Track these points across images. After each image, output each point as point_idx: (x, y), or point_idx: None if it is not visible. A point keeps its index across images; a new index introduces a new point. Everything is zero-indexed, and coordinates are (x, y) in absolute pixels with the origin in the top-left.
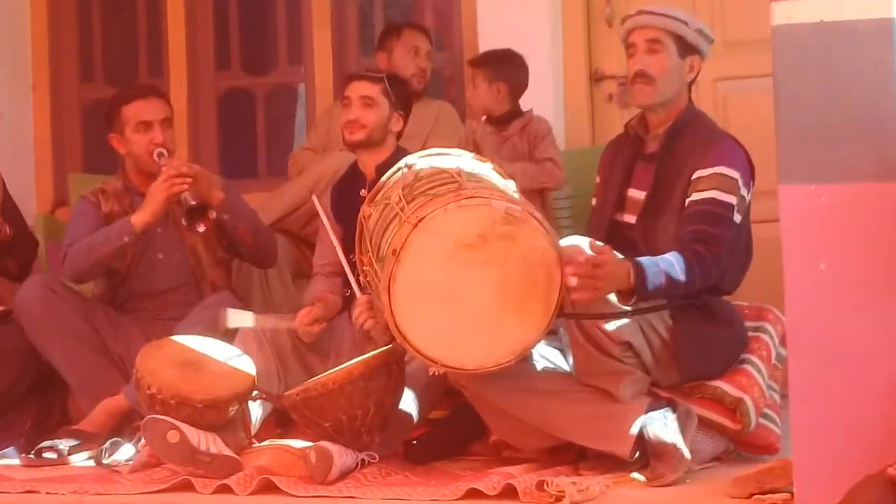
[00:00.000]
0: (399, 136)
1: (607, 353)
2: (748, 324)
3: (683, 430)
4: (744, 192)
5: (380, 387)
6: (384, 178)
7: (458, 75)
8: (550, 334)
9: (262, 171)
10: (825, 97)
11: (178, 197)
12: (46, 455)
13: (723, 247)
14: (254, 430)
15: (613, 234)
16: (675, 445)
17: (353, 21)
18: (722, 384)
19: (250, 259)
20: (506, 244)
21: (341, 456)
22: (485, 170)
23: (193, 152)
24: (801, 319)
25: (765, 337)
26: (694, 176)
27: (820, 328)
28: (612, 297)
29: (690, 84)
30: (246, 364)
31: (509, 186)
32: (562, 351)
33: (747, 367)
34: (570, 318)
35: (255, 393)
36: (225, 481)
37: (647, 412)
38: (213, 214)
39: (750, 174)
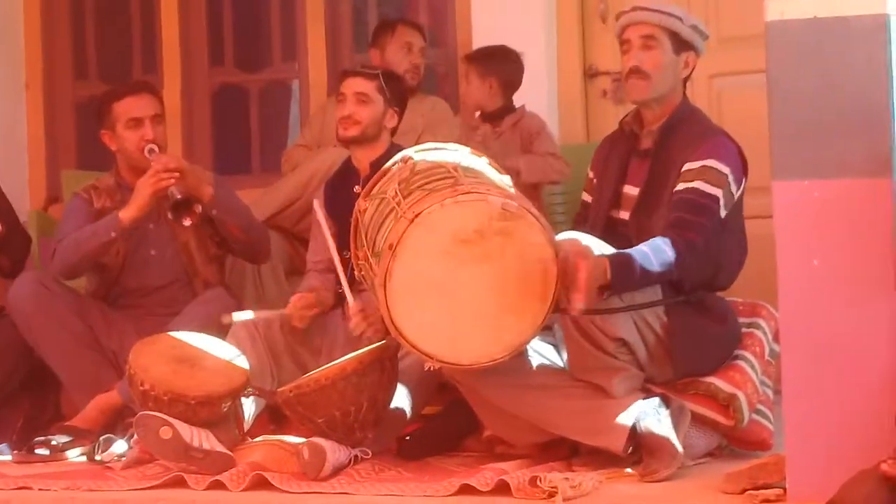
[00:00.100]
0: (393, 132)
1: (601, 349)
2: (742, 320)
3: (677, 425)
4: (733, 187)
5: (373, 383)
6: (380, 172)
7: (452, 72)
8: (545, 330)
9: (255, 167)
10: (819, 93)
11: (165, 192)
12: (39, 451)
13: (699, 235)
14: (247, 427)
15: (609, 231)
16: (668, 441)
17: (347, 17)
18: (715, 380)
19: (242, 255)
20: (502, 240)
21: (334, 452)
22: (481, 165)
23: (187, 149)
24: (794, 315)
25: (758, 333)
26: (683, 168)
27: (813, 324)
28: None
29: (685, 80)
30: (239, 360)
31: (505, 181)
32: (556, 346)
33: (741, 363)
34: (566, 314)
35: (248, 389)
36: (218, 477)
37: (640, 408)
38: (198, 209)
39: (742, 170)
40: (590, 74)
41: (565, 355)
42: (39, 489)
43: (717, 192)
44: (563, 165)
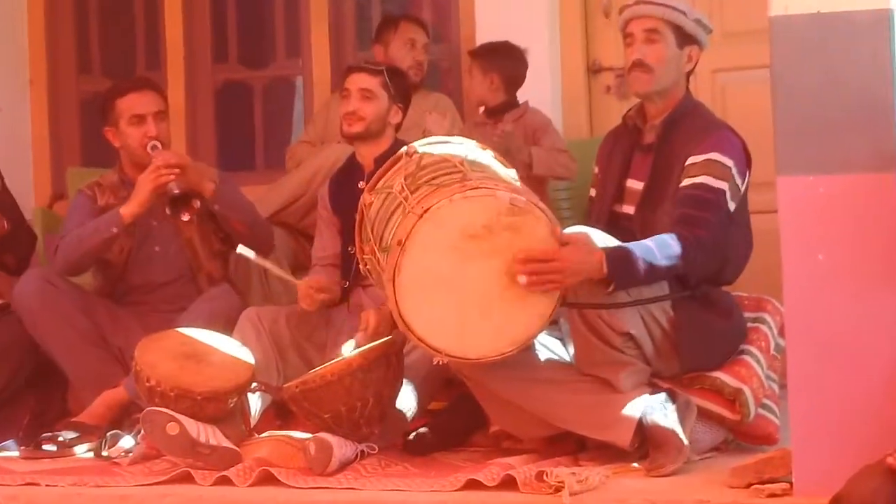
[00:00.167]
0: (398, 128)
1: (608, 344)
2: (747, 315)
3: (683, 420)
4: (738, 180)
5: (379, 378)
6: (385, 165)
7: (456, 67)
8: (551, 324)
9: (259, 163)
10: (823, 88)
11: (165, 188)
12: (46, 447)
13: (707, 231)
14: (253, 422)
15: (613, 226)
16: (674, 435)
17: (351, 14)
18: (721, 375)
19: None
20: (510, 235)
21: (341, 447)
22: (487, 158)
23: (191, 145)
24: (799, 310)
25: (764, 328)
26: (687, 162)
27: (818, 319)
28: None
29: (689, 74)
30: (245, 356)
31: (511, 175)
32: (562, 340)
33: (746, 357)
34: (572, 308)
35: (254, 385)
36: (224, 473)
37: (647, 403)
38: (196, 204)
39: (745, 163)
40: (593, 70)
41: (572, 349)
42: (46, 485)
43: (723, 185)
44: (570, 161)
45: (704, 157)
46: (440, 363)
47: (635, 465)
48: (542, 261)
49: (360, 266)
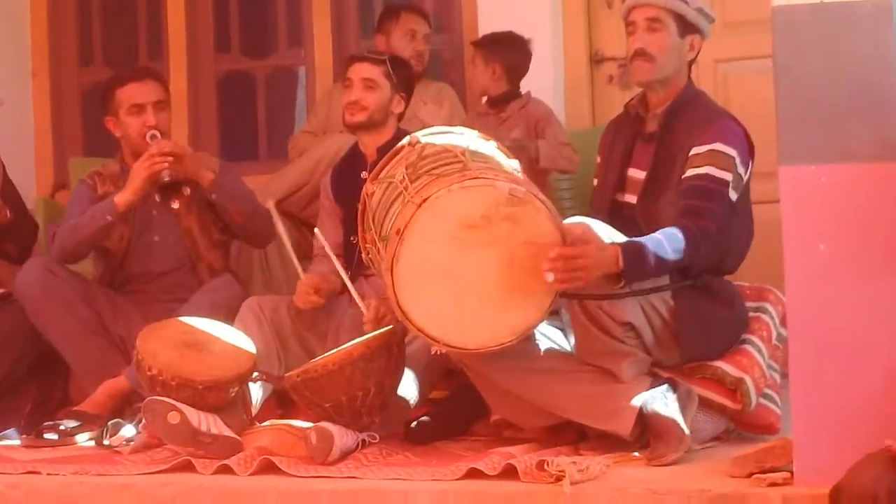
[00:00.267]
0: (400, 117)
1: (609, 334)
2: (749, 304)
3: (684, 409)
4: (741, 169)
5: (380, 368)
6: (388, 155)
7: (458, 58)
8: (552, 314)
9: (262, 153)
10: (825, 78)
11: (158, 176)
12: (47, 436)
13: (712, 222)
14: (254, 411)
15: (615, 215)
16: (675, 425)
17: (353, 4)
18: (722, 364)
19: (244, 238)
20: (509, 225)
21: (342, 436)
22: (489, 148)
23: (194, 136)
24: (801, 300)
25: (765, 317)
26: (691, 153)
27: (820, 308)
28: None
29: (690, 63)
30: (246, 345)
31: (514, 166)
32: (563, 330)
33: (748, 347)
34: (572, 298)
35: (255, 374)
36: (226, 462)
37: (648, 392)
38: (186, 192)
39: (748, 152)
40: (596, 60)
41: (572, 339)
42: (48, 474)
43: (727, 176)
44: (573, 153)
45: (708, 147)
46: (439, 353)
47: (636, 454)
48: (570, 257)
49: (363, 255)
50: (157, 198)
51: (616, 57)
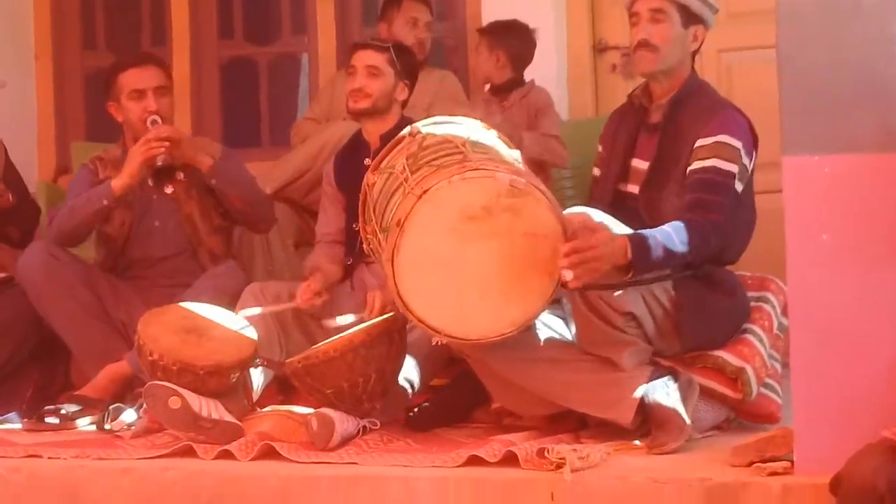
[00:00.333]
0: (404, 105)
1: (610, 323)
2: (750, 294)
3: (685, 399)
4: (745, 161)
5: (381, 355)
6: (389, 145)
7: (462, 45)
8: (553, 303)
9: (265, 140)
10: (829, 68)
11: (155, 160)
12: (49, 420)
13: (720, 214)
14: (255, 397)
15: (617, 205)
16: (676, 414)
17: None
18: (724, 354)
19: (245, 224)
20: (510, 216)
21: (343, 423)
22: (490, 139)
23: (196, 122)
24: (802, 289)
25: (767, 307)
26: (696, 145)
27: (821, 298)
28: None
29: (694, 54)
30: (248, 331)
31: (514, 157)
32: (564, 319)
33: (749, 336)
34: (573, 290)
35: (256, 360)
36: (226, 447)
37: (648, 381)
38: (180, 176)
39: (752, 143)
40: (599, 49)
41: (574, 328)
42: (49, 457)
43: (733, 168)
44: (562, 149)
45: (713, 139)
46: (439, 343)
47: (637, 442)
48: (583, 251)
49: (364, 245)
50: (150, 182)
51: (619, 46)
